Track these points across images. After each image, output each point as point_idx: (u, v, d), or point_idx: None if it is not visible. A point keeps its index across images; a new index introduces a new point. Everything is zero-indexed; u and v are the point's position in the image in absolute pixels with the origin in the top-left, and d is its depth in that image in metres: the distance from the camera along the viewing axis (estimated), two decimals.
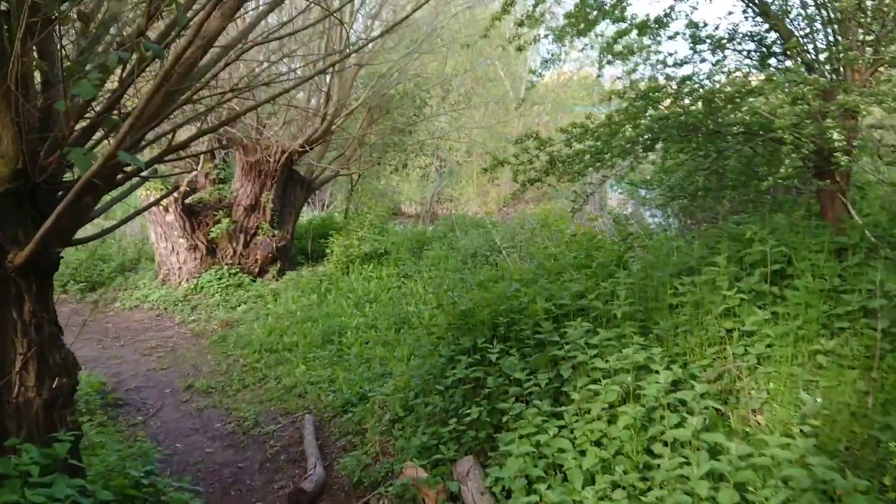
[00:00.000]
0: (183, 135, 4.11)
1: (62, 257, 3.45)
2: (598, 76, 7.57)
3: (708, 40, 6.29)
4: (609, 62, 6.18)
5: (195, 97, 3.69)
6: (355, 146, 12.51)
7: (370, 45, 9.34)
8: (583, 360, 4.00)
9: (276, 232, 11.07)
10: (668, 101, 5.55)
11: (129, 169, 3.49)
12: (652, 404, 3.57)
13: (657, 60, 6.36)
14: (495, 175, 6.59)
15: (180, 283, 10.63)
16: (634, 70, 7.00)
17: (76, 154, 2.80)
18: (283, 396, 6.82)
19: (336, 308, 9.11)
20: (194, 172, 10.19)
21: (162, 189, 10.18)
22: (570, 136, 5.60)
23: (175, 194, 10.12)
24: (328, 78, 10.24)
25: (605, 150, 5.70)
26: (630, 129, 5.77)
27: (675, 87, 6.05)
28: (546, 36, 7.21)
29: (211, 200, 10.74)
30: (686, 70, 6.54)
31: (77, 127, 3.32)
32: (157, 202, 3.65)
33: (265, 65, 6.00)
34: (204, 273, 10.62)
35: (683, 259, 5.18)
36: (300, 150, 10.85)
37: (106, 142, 3.30)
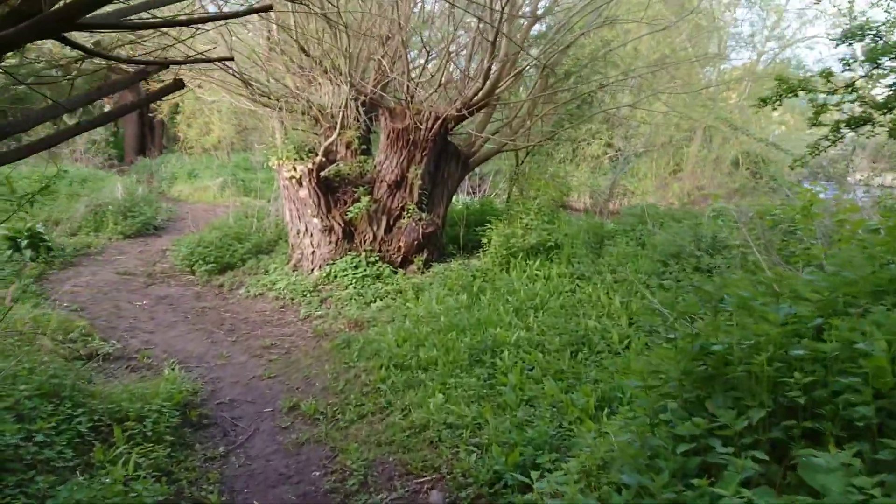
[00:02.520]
0: None
1: None
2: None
3: None
4: None
5: None
6: (524, 116, 10.24)
7: None
8: None
9: (423, 215, 9.14)
10: None
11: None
12: None
13: None
14: (775, 103, 3.94)
15: (312, 269, 9.07)
16: None
17: None
18: (407, 441, 4.76)
19: (491, 314, 6.92)
20: (331, 139, 8.51)
21: (295, 158, 8.64)
22: None
23: (309, 164, 8.52)
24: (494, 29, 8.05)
25: None
26: None
27: None
28: None
29: (351, 174, 9.03)
30: None
31: None
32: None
33: None
34: (339, 260, 8.96)
35: None
36: (457, 115, 8.80)
37: None
